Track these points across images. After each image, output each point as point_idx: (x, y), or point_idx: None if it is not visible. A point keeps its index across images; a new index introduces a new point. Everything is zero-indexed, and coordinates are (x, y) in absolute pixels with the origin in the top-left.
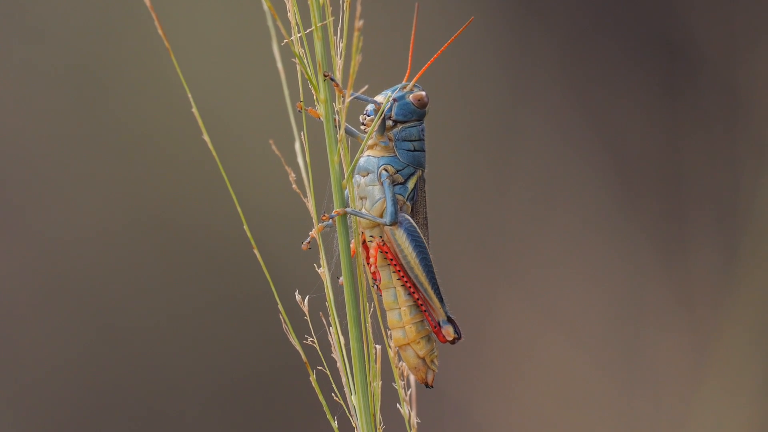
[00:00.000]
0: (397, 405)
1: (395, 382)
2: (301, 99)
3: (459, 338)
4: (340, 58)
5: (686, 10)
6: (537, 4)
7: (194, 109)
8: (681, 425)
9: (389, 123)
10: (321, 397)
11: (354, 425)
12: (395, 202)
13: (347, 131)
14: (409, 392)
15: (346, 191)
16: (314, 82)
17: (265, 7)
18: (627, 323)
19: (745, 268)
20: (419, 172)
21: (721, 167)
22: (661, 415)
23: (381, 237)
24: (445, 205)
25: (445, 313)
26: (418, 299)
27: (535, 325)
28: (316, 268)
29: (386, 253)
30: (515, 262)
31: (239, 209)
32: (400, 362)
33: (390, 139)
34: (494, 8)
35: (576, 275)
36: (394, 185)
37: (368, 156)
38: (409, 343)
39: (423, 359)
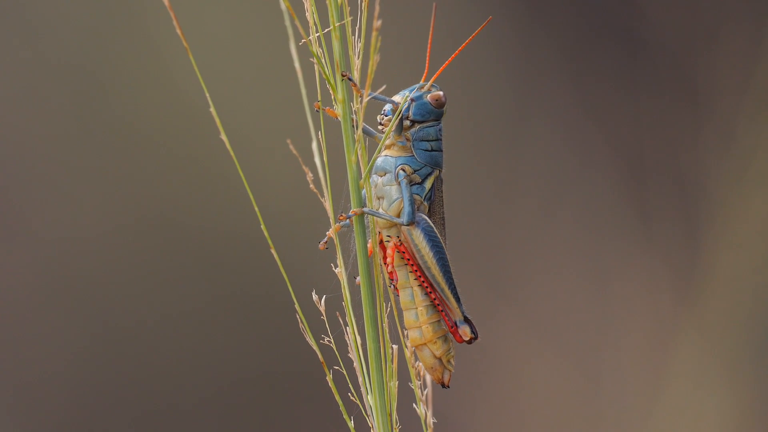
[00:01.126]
0: (414, 405)
1: (411, 382)
2: (319, 99)
3: (476, 338)
4: (358, 57)
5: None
6: (541, 7)
7: (212, 109)
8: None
9: (407, 123)
10: (337, 397)
11: (370, 425)
12: (412, 202)
13: (365, 131)
14: (425, 392)
15: (364, 191)
16: (332, 81)
17: (283, 6)
18: (621, 331)
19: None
20: (436, 172)
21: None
22: (650, 421)
23: (398, 237)
24: (448, 209)
25: (462, 313)
26: (434, 299)
27: (534, 335)
28: (333, 268)
29: (403, 253)
30: (517, 267)
31: (256, 209)
32: (417, 362)
33: (407, 139)
34: (498, 10)
35: (577, 282)
36: (411, 185)
37: (386, 156)
38: (425, 343)
39: (439, 359)
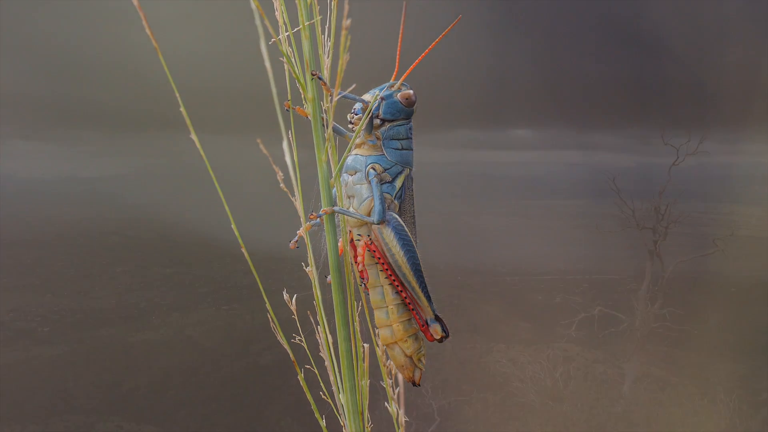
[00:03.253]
0: (385, 403)
1: (383, 381)
2: (289, 98)
3: (447, 336)
4: (328, 57)
5: (656, 5)
6: (525, 5)
7: (182, 108)
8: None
9: (377, 122)
10: (309, 396)
11: (342, 423)
12: (383, 200)
13: (335, 130)
14: (396, 391)
15: (334, 190)
16: (302, 81)
17: (253, 6)
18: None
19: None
20: (407, 171)
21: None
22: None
23: (369, 235)
24: (424, 206)
25: (433, 311)
26: (405, 298)
27: (512, 326)
28: (304, 267)
29: (374, 251)
30: (489, 258)
31: (227, 208)
32: (388, 361)
33: (378, 138)
34: (476, 7)
35: (545, 276)
36: (381, 184)
37: (356, 155)
38: (396, 342)
39: (410, 358)
